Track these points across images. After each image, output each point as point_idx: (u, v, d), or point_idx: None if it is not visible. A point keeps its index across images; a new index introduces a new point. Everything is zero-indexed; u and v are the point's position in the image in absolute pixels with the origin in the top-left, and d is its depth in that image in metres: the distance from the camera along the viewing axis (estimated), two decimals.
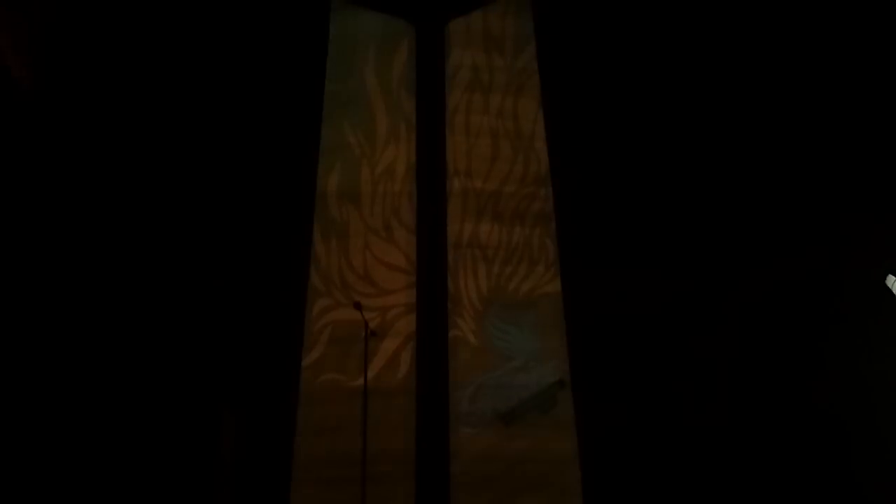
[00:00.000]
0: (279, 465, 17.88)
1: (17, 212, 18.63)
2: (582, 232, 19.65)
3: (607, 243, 19.64)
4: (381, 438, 17.05)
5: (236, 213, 19.81)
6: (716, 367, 18.74)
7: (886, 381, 17.99)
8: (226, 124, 19.95)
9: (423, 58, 20.88)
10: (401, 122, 20.33)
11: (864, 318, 18.84)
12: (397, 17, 21.11)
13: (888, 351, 18.32)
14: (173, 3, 20.52)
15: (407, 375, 18.37)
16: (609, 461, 17.44)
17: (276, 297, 19.19)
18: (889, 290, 19.62)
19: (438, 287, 19.03)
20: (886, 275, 19.72)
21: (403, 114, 20.39)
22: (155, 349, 18.70)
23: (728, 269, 19.55)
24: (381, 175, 19.91)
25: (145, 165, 19.99)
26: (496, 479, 17.58)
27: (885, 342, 18.43)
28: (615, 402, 18.05)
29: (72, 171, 19.59)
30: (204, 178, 19.79)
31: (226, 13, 20.52)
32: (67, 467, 17.67)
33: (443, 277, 19.12)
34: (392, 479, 17.42)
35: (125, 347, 18.64)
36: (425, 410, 18.16)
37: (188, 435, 18.30)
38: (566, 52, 20.79)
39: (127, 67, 20.50)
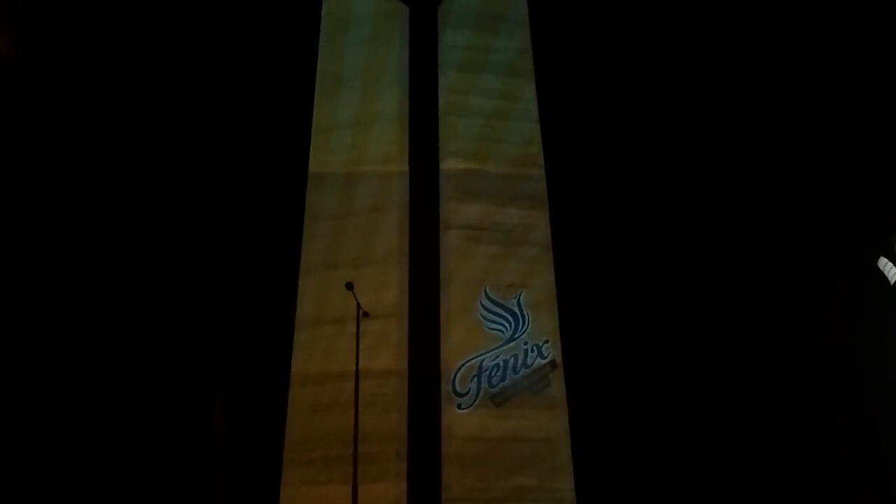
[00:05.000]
0: (271, 445, 17.92)
1: (8, 189, 18.63)
2: (575, 214, 19.63)
3: (601, 225, 19.66)
4: (373, 418, 17.01)
5: (227, 194, 19.77)
6: (705, 349, 18.81)
7: (878, 364, 18.07)
8: (216, 104, 19.87)
9: (417, 38, 20.84)
10: (394, 102, 20.27)
11: (856, 300, 18.90)
12: None
13: (879, 333, 18.39)
14: None
15: (399, 356, 18.38)
16: (599, 440, 17.53)
17: (267, 278, 19.19)
18: (880, 272, 19.69)
19: (431, 268, 19.04)
20: (878, 257, 19.79)
21: (396, 94, 20.34)
22: (148, 331, 18.73)
23: (720, 255, 19.59)
24: (373, 155, 19.83)
25: (135, 144, 19.95)
26: (487, 457, 17.62)
27: (877, 325, 18.49)
28: (606, 381, 18.12)
29: (62, 148, 19.54)
30: (194, 158, 19.74)
31: None
32: (66, 447, 17.79)
33: (435, 258, 19.13)
34: (384, 458, 17.47)
35: (118, 329, 18.68)
36: (417, 391, 18.20)
37: (181, 416, 18.34)
38: (560, 34, 20.74)
39: (117, 49, 20.42)
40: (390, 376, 18.09)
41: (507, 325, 18.66)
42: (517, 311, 18.75)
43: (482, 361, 18.32)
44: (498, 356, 18.40)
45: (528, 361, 18.38)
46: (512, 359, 18.38)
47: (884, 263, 19.65)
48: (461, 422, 17.94)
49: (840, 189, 19.56)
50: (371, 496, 16.45)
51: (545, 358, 18.44)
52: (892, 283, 19.34)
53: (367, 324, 16.34)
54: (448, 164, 19.85)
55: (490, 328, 18.66)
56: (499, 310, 18.76)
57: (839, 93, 20.28)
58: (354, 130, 20.07)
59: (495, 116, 20.19)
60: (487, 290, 18.85)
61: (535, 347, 18.49)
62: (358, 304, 16.02)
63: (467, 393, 18.14)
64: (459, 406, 18.05)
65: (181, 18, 20.41)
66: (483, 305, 18.75)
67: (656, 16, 20.76)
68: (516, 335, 18.58)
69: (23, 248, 18.45)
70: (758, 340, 18.71)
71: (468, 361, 18.30)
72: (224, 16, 20.47)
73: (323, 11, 21.14)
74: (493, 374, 18.24)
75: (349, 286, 15.87)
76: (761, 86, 20.57)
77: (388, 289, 18.68)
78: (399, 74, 20.50)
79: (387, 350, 18.23)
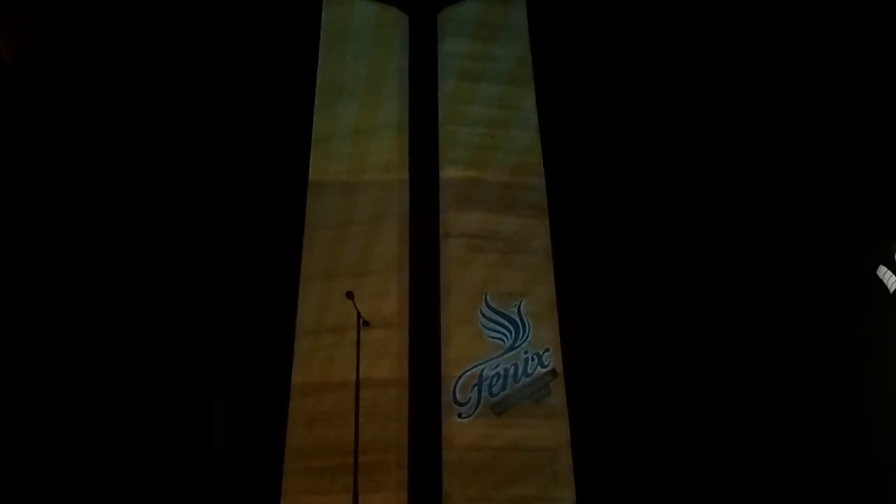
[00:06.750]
0: (271, 454, 17.87)
1: (9, 194, 18.62)
2: (575, 222, 19.64)
3: (601, 234, 19.67)
4: (373, 428, 16.97)
5: (227, 203, 19.77)
6: (704, 359, 18.81)
7: (878, 373, 18.07)
8: (217, 112, 19.89)
9: (416, 46, 20.88)
10: (394, 110, 20.29)
11: (856, 308, 18.91)
12: (390, 6, 21.06)
13: (879, 342, 18.40)
14: None
15: (399, 365, 18.34)
16: (600, 449, 17.50)
17: (267, 287, 19.18)
18: (880, 281, 19.70)
19: (431, 276, 19.02)
20: (877, 265, 19.81)
21: (396, 102, 20.36)
22: (148, 340, 18.70)
23: (719, 262, 19.61)
24: (373, 164, 19.83)
25: (136, 154, 19.95)
26: (488, 466, 17.59)
27: (877, 333, 18.50)
28: (606, 390, 18.09)
29: (63, 157, 19.52)
30: (194, 166, 19.75)
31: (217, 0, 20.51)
32: (66, 454, 17.75)
33: (435, 267, 19.10)
34: (384, 467, 17.42)
35: (118, 337, 18.64)
36: (418, 400, 18.16)
37: (181, 425, 18.31)
38: (559, 42, 20.79)
39: (118, 57, 20.44)
40: (391, 385, 18.06)
41: (507, 333, 18.64)
42: (518, 319, 18.72)
43: (483, 370, 18.29)
44: (498, 365, 18.37)
45: (529, 370, 18.36)
46: (512, 368, 18.35)
47: (883, 272, 19.65)
48: (462, 431, 17.90)
49: (839, 197, 19.58)
50: None
51: (546, 367, 18.41)
52: (891, 291, 19.35)
53: (367, 333, 16.29)
54: (448, 173, 19.85)
55: (490, 337, 18.64)
56: (499, 318, 18.74)
57: (838, 100, 20.34)
58: (354, 139, 20.09)
59: (495, 125, 20.21)
60: (488, 298, 18.83)
61: (535, 356, 18.47)
62: (358, 313, 15.99)
63: (468, 402, 18.10)
64: (460, 415, 18.01)
65: (181, 27, 20.42)
66: (483, 314, 18.74)
67: (656, 24, 20.82)
68: (517, 344, 18.56)
69: (25, 256, 18.42)
70: (758, 349, 18.71)
71: (469, 370, 18.26)
72: (224, 25, 20.50)
73: (323, 20, 21.18)
74: (493, 382, 18.21)
75: (349, 295, 15.85)
76: (761, 91, 20.64)
77: (388, 297, 18.65)
78: (399, 83, 20.52)
79: (387, 359, 18.19)
